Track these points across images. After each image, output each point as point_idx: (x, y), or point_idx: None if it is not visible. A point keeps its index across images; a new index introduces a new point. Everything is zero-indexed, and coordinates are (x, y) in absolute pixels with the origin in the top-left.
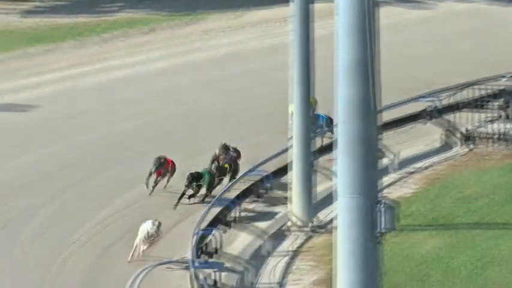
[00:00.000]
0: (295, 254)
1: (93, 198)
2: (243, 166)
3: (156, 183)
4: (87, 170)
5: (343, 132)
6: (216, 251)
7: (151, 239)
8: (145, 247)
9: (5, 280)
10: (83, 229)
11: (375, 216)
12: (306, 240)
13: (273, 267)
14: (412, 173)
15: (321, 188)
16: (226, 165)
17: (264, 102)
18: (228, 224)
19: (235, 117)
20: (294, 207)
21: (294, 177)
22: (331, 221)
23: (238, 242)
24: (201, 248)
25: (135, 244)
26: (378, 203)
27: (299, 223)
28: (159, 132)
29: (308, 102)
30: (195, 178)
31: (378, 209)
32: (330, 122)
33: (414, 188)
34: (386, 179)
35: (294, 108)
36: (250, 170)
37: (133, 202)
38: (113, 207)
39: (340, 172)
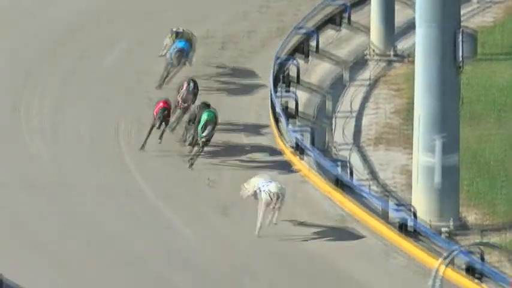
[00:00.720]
0: (374, 83)
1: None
2: None
3: (162, 133)
4: (162, 3)
5: None
6: (298, 79)
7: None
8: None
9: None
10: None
11: (454, 45)
12: (385, 70)
13: (352, 96)
14: (493, 2)
15: (400, 17)
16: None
17: None
18: (307, 53)
19: None
20: (374, 37)
21: (374, 5)
22: (410, 51)
23: (317, 70)
24: (281, 76)
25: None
26: (458, 32)
27: (378, 52)
28: None
29: None
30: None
31: (458, 37)
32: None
33: (494, 18)
34: (466, 9)
35: None
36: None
37: (210, 34)
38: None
39: (420, 0)
